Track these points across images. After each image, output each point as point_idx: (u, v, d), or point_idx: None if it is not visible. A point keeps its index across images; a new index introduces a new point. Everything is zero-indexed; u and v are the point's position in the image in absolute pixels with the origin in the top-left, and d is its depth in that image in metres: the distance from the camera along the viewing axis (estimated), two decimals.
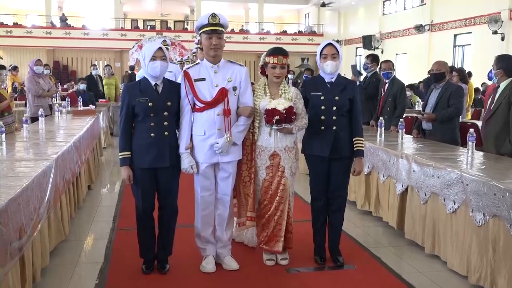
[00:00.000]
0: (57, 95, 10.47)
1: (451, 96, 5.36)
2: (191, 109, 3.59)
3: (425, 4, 20.59)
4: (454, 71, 8.65)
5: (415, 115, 7.74)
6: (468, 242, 3.63)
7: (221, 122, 3.55)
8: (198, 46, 6.32)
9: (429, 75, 11.97)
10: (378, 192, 5.15)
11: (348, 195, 4.24)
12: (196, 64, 3.72)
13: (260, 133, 3.73)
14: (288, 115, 3.49)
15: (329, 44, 3.82)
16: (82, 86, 10.73)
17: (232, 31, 26.99)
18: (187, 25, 31.86)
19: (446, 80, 5.50)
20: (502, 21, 15.78)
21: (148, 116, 3.49)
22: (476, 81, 13.66)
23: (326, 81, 3.85)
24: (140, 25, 31.43)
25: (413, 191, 4.41)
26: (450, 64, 14.97)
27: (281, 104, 3.49)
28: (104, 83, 12.69)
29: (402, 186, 4.59)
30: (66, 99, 9.61)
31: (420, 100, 10.87)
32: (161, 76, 3.57)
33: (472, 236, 3.58)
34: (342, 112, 3.80)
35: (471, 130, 4.44)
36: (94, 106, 9.52)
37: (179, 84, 3.68)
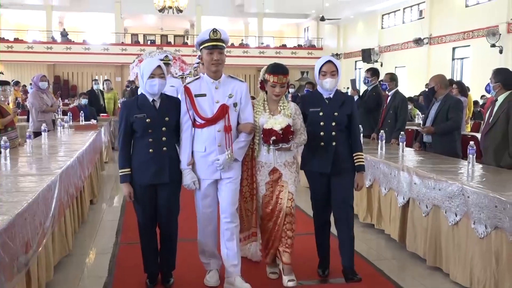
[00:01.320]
0: (59, 110, 10.54)
1: (450, 109, 5.41)
2: (191, 125, 3.57)
3: (423, 17, 20.79)
4: (454, 84, 8.70)
5: (415, 128, 7.79)
6: (470, 254, 3.65)
7: (221, 138, 3.51)
8: (200, 61, 6.36)
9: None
10: (380, 204, 5.17)
11: None
12: (197, 79, 3.68)
13: (260, 149, 3.71)
14: (285, 135, 3.46)
15: (329, 61, 3.83)
16: (84, 101, 10.78)
17: (232, 45, 27.14)
18: (187, 39, 32.10)
19: (443, 93, 5.54)
20: (500, 34, 15.92)
21: (146, 132, 3.49)
22: (476, 94, 13.73)
23: (325, 97, 3.85)
24: (141, 39, 31.70)
25: (415, 204, 4.44)
26: (449, 77, 15.06)
27: (278, 124, 3.46)
28: (104, 97, 12.77)
29: (404, 199, 4.62)
30: (68, 113, 9.66)
31: (420, 113, 10.92)
32: (159, 93, 3.57)
33: (474, 248, 3.60)
34: (341, 127, 3.80)
35: (471, 142, 4.47)
36: (95, 121, 9.57)
37: (177, 99, 3.68)
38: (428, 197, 4.19)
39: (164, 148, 3.51)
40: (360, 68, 25.48)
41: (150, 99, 3.55)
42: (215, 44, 3.47)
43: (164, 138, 3.51)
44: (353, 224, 3.91)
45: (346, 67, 26.09)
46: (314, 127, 3.78)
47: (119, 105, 13.82)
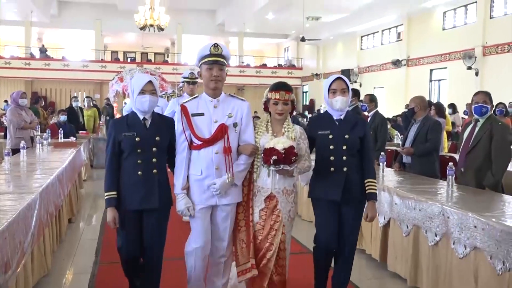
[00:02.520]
0: (38, 127, 10.42)
1: (429, 130, 5.51)
2: (188, 146, 3.32)
3: (401, 39, 21.21)
4: (432, 105, 8.85)
5: (394, 148, 7.89)
6: (450, 274, 3.69)
7: (219, 161, 3.26)
8: (185, 80, 6.33)
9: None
10: (361, 225, 5.19)
11: None
12: (195, 97, 3.45)
13: (259, 172, 3.40)
14: (288, 156, 3.18)
15: (339, 78, 3.57)
16: (63, 118, 10.69)
17: None
18: (168, 57, 32.13)
19: (423, 115, 5.64)
20: (476, 57, 16.29)
21: (135, 152, 3.27)
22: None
23: (335, 118, 3.58)
24: (121, 57, 31.63)
25: (395, 224, 4.48)
26: (426, 98, 15.31)
27: (280, 143, 3.20)
28: (84, 114, 12.69)
29: (385, 219, 4.66)
30: (47, 131, 9.55)
31: (398, 133, 11.08)
32: (150, 111, 3.37)
33: (454, 268, 3.64)
34: (352, 152, 3.52)
35: (450, 163, 4.55)
36: (75, 138, 9.49)
37: (170, 118, 3.51)
38: (409, 217, 4.24)
39: (154, 171, 3.29)
40: None
41: (141, 117, 3.35)
42: (215, 60, 3.27)
43: (154, 160, 3.30)
44: (353, 261, 3.72)
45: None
46: (323, 151, 3.54)
47: (100, 123, 13.77)
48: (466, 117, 10.74)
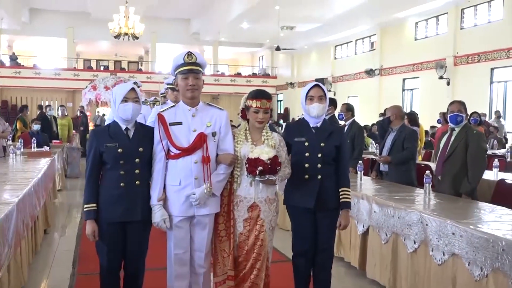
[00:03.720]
0: (10, 135, 10.22)
1: (406, 139, 5.61)
2: (165, 156, 3.25)
3: (374, 49, 21.56)
4: (405, 115, 8.99)
5: (371, 157, 7.98)
6: (428, 280, 3.74)
7: (198, 170, 3.19)
8: (169, 86, 6.25)
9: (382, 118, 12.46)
10: (340, 232, 5.21)
11: None
12: (172, 106, 3.37)
13: (240, 182, 3.33)
14: (273, 166, 3.12)
15: (316, 85, 3.57)
16: (36, 127, 10.50)
17: None
18: (141, 65, 31.94)
19: (399, 124, 5.74)
20: (446, 66, 16.63)
21: (118, 164, 3.16)
22: (425, 124, 14.24)
23: (311, 125, 3.57)
24: (94, 65, 31.26)
25: (374, 231, 4.53)
26: None
27: (265, 153, 3.13)
28: (57, 123, 12.50)
29: (364, 227, 4.71)
30: (20, 140, 9.37)
31: (373, 142, 11.21)
32: (133, 120, 3.26)
33: (432, 275, 3.70)
34: (328, 159, 3.51)
35: (427, 172, 4.63)
36: (48, 148, 9.32)
37: (152, 128, 3.36)
38: (388, 225, 4.29)
39: (137, 182, 3.19)
40: None
41: (123, 126, 3.24)
42: (190, 68, 3.22)
43: (137, 171, 3.19)
44: (331, 267, 3.72)
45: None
46: (298, 158, 3.51)
47: (73, 132, 13.59)
48: (439, 125, 10.95)
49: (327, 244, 3.63)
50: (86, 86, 19.72)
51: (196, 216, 3.27)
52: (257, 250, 3.31)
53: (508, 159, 8.64)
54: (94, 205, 3.17)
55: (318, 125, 3.57)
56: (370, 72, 21.07)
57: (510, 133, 13.70)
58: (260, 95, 3.35)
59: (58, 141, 11.65)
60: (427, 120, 14.65)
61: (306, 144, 3.51)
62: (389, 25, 19.99)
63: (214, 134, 3.29)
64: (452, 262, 3.50)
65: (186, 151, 3.20)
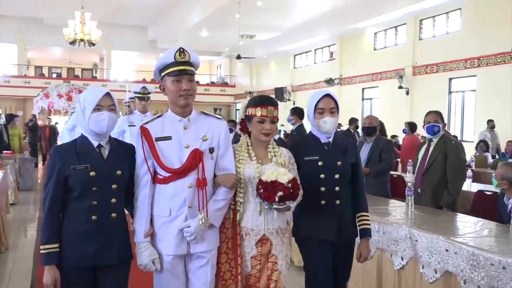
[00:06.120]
0: None
1: (383, 150, 5.50)
2: (151, 179, 2.62)
3: (334, 59, 21.70)
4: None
5: None
6: None
7: (193, 196, 2.56)
8: (136, 95, 5.92)
9: (349, 128, 12.44)
10: None
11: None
12: (158, 117, 2.71)
13: (244, 210, 2.72)
14: (295, 190, 2.54)
15: (327, 95, 3.02)
16: None
17: (144, 81, 26.64)
18: (96, 73, 31.16)
19: (376, 134, 5.64)
20: (405, 77, 16.86)
21: (89, 191, 2.46)
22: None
23: (322, 141, 3.03)
24: (45, 72, 30.29)
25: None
26: (359, 117, 15.69)
27: (282, 175, 2.54)
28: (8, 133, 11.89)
29: None
30: None
31: None
32: (108, 133, 2.56)
33: None
34: (345, 181, 3.00)
35: (409, 184, 4.52)
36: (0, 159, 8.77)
37: (131, 145, 2.70)
38: (372, 240, 4.09)
39: (113, 215, 2.51)
40: None
41: (95, 143, 2.54)
42: (183, 69, 2.58)
43: (113, 200, 2.51)
44: None
45: None
46: (312, 181, 2.90)
47: (25, 142, 12.97)
48: (404, 135, 11.02)
49: (346, 276, 3.17)
50: (38, 94, 19.03)
51: (192, 255, 2.62)
52: None
53: (473, 168, 8.72)
54: (56, 245, 2.44)
55: (330, 140, 3.04)
56: (329, 81, 21.15)
57: (466, 142, 13.87)
58: (265, 101, 2.77)
59: (9, 151, 11.05)
60: (388, 130, 14.74)
61: (320, 163, 2.95)
62: (348, 35, 20.14)
63: (211, 150, 2.65)
64: (444, 280, 3.34)
65: (179, 174, 2.56)
